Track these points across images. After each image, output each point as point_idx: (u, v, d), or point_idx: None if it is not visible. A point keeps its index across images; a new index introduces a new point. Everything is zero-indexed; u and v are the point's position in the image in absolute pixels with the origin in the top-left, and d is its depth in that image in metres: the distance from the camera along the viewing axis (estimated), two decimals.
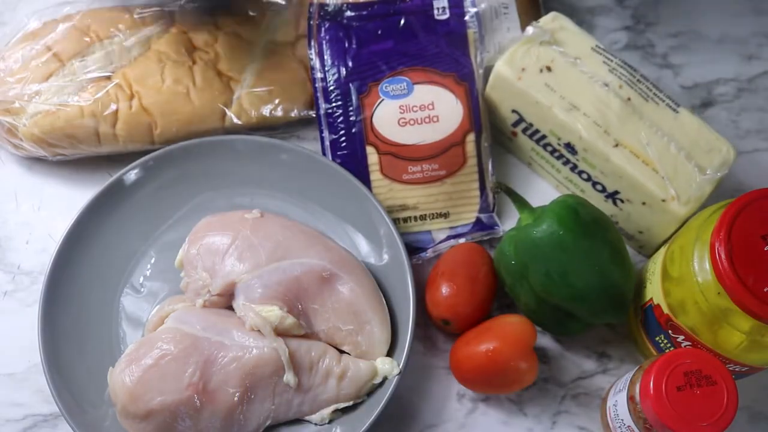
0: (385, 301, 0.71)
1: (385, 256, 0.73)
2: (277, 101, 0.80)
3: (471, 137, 0.76)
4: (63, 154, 0.78)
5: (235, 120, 0.79)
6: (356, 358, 0.69)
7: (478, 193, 0.77)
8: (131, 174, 0.75)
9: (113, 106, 0.77)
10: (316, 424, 0.69)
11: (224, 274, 0.70)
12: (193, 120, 0.78)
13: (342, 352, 0.70)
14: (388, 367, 0.68)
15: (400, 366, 0.68)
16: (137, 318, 0.74)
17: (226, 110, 0.79)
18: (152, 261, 0.75)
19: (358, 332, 0.69)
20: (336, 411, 0.68)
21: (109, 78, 0.78)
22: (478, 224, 0.77)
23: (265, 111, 0.80)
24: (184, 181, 0.76)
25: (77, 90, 0.77)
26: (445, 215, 0.78)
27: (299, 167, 0.76)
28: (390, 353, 0.70)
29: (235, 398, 0.66)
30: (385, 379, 0.69)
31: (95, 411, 0.68)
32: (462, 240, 0.77)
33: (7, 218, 0.79)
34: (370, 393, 0.69)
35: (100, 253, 0.74)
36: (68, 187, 0.80)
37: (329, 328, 0.70)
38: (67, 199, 0.78)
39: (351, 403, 0.68)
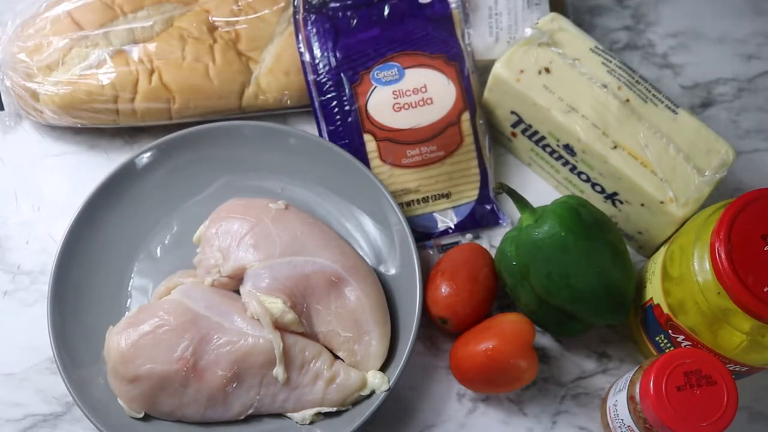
0: (389, 316, 0.71)
1: (396, 262, 0.74)
2: (294, 83, 0.80)
3: (466, 116, 0.77)
4: (83, 123, 0.79)
5: (252, 100, 0.80)
6: (349, 366, 0.69)
7: (477, 170, 0.78)
8: (162, 145, 0.76)
9: (133, 81, 0.78)
10: (297, 423, 0.69)
11: (237, 258, 0.70)
12: (211, 98, 0.79)
13: (337, 357, 0.70)
14: (378, 381, 0.68)
15: (391, 383, 0.68)
16: (147, 284, 0.75)
17: (244, 90, 0.80)
18: (173, 231, 0.77)
19: (356, 341, 0.70)
20: (318, 414, 0.69)
21: (130, 52, 0.79)
22: (481, 203, 0.78)
23: (282, 93, 0.80)
24: (207, 162, 0.77)
25: (99, 62, 0.78)
26: (447, 195, 0.78)
27: (306, 152, 0.76)
28: (387, 361, 0.70)
29: (223, 380, 0.67)
30: (372, 392, 0.69)
31: (90, 366, 0.70)
32: (469, 235, 0.78)
33: (7, 218, 0.79)
34: (356, 403, 0.69)
35: (122, 217, 0.75)
36: (68, 187, 0.80)
37: (328, 332, 0.70)
38: (67, 199, 0.78)
39: (335, 409, 0.68)
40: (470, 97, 0.78)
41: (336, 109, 0.78)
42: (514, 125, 0.78)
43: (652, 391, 0.60)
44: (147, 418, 0.69)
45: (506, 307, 0.76)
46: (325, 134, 0.78)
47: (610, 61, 0.74)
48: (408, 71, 0.77)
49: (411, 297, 0.71)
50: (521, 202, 0.70)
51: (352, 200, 0.77)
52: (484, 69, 0.79)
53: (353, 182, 0.76)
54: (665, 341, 0.68)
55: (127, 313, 0.73)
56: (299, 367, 0.68)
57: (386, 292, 0.72)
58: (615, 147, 0.71)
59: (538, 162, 0.79)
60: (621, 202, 0.74)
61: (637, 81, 0.73)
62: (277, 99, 0.81)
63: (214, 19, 0.81)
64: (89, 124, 0.80)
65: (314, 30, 0.79)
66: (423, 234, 0.78)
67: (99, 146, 0.82)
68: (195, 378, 0.67)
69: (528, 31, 0.75)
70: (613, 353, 0.75)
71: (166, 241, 0.76)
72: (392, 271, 0.74)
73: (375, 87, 0.77)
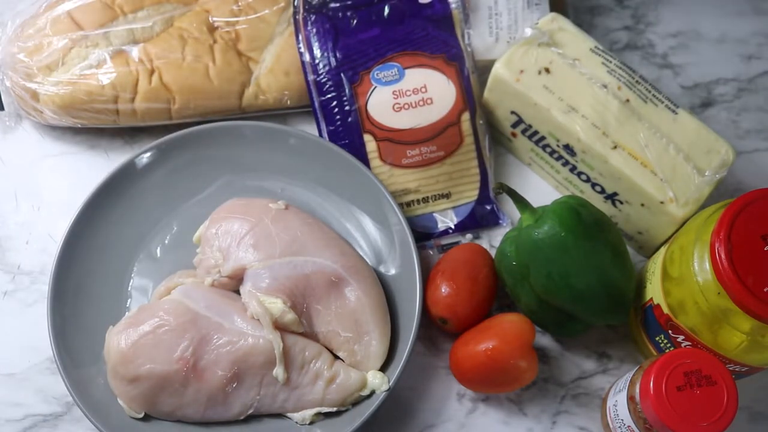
0: (389, 317, 0.71)
1: (396, 262, 0.74)
2: (294, 83, 0.81)
3: (466, 116, 0.78)
4: (83, 123, 0.79)
5: (252, 100, 0.80)
6: (349, 366, 0.69)
7: (477, 170, 0.78)
8: (162, 145, 0.76)
9: (133, 81, 0.78)
10: (297, 423, 0.69)
11: (237, 259, 0.70)
12: (211, 98, 0.79)
13: (337, 357, 0.70)
14: (378, 381, 0.68)
15: (391, 383, 0.68)
16: (147, 284, 0.75)
17: (244, 90, 0.80)
18: (173, 231, 0.77)
19: (356, 341, 0.70)
20: (318, 414, 0.69)
21: (130, 52, 0.79)
22: (481, 203, 0.78)
23: (282, 93, 0.81)
24: (207, 162, 0.77)
25: (98, 62, 0.78)
26: (447, 195, 0.78)
27: (306, 152, 0.76)
28: (387, 361, 0.70)
29: (223, 380, 0.67)
30: (372, 392, 0.69)
31: (90, 366, 0.70)
32: (469, 235, 0.78)
33: (7, 218, 0.79)
34: (356, 403, 0.69)
35: (122, 217, 0.75)
36: (68, 187, 0.80)
37: (328, 332, 0.70)
38: (67, 199, 0.78)
39: (335, 409, 0.69)
40: (470, 97, 0.78)
41: (336, 109, 0.78)
42: (514, 125, 0.78)
43: (652, 391, 0.60)
44: (147, 418, 0.69)
45: (506, 307, 0.76)
46: (325, 134, 0.78)
47: (610, 61, 0.74)
48: (408, 71, 0.77)
49: (411, 297, 0.71)
50: (521, 202, 0.70)
51: (352, 200, 0.77)
52: (484, 69, 0.79)
53: (353, 182, 0.76)
54: (665, 341, 0.68)
55: (127, 313, 0.73)
56: (299, 367, 0.68)
57: (386, 292, 0.72)
58: (615, 147, 0.71)
59: (538, 162, 0.79)
60: (621, 202, 0.74)
61: (637, 81, 0.73)
62: (277, 99, 0.81)
63: (214, 19, 0.81)
64: (89, 124, 0.80)
65: (314, 30, 0.79)
66: (423, 234, 0.78)
67: (99, 146, 0.82)
68: (195, 378, 0.67)
69: (528, 31, 0.75)
70: (613, 353, 0.75)
71: (166, 241, 0.76)
72: (392, 271, 0.74)
73: (375, 87, 0.77)
